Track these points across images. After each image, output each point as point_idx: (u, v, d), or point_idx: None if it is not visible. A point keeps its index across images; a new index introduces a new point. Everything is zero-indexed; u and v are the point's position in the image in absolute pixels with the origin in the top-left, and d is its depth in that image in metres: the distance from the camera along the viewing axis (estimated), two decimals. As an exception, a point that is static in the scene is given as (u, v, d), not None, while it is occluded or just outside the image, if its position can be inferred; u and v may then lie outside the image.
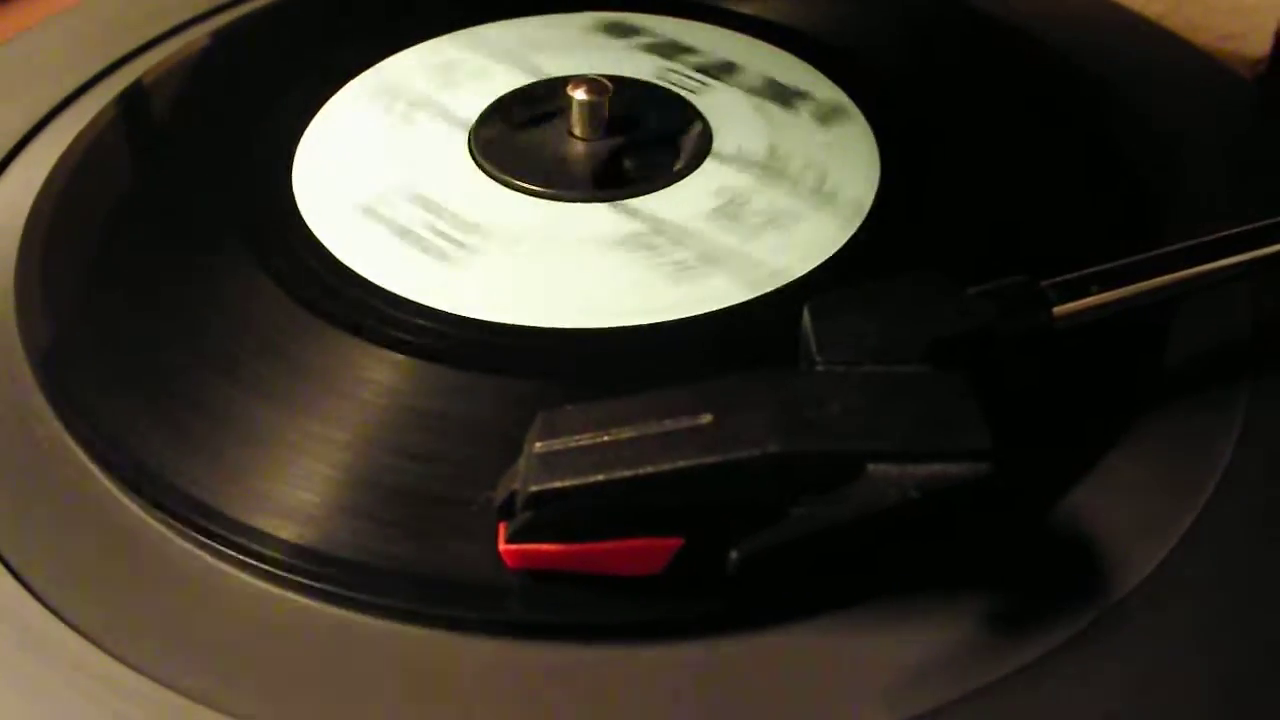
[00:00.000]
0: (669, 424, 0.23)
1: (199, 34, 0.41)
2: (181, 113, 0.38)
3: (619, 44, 0.39)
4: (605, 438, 0.23)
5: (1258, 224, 0.28)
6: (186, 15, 0.42)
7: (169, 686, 0.23)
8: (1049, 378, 0.27)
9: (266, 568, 0.25)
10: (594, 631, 0.24)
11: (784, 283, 0.30)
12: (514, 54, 0.38)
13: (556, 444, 0.23)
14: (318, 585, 0.24)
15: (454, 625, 0.24)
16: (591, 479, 0.22)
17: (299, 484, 0.26)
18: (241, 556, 0.25)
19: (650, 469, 0.22)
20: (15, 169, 0.36)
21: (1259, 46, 0.41)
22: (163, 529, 0.26)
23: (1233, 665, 0.23)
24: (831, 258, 0.30)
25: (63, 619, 0.24)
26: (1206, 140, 0.36)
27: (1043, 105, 0.37)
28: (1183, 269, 0.27)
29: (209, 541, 0.25)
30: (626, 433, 0.23)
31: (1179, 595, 0.24)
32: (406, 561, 0.24)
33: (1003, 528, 0.25)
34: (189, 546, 0.25)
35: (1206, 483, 0.26)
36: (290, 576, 0.24)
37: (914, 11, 0.41)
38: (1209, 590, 0.24)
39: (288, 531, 0.25)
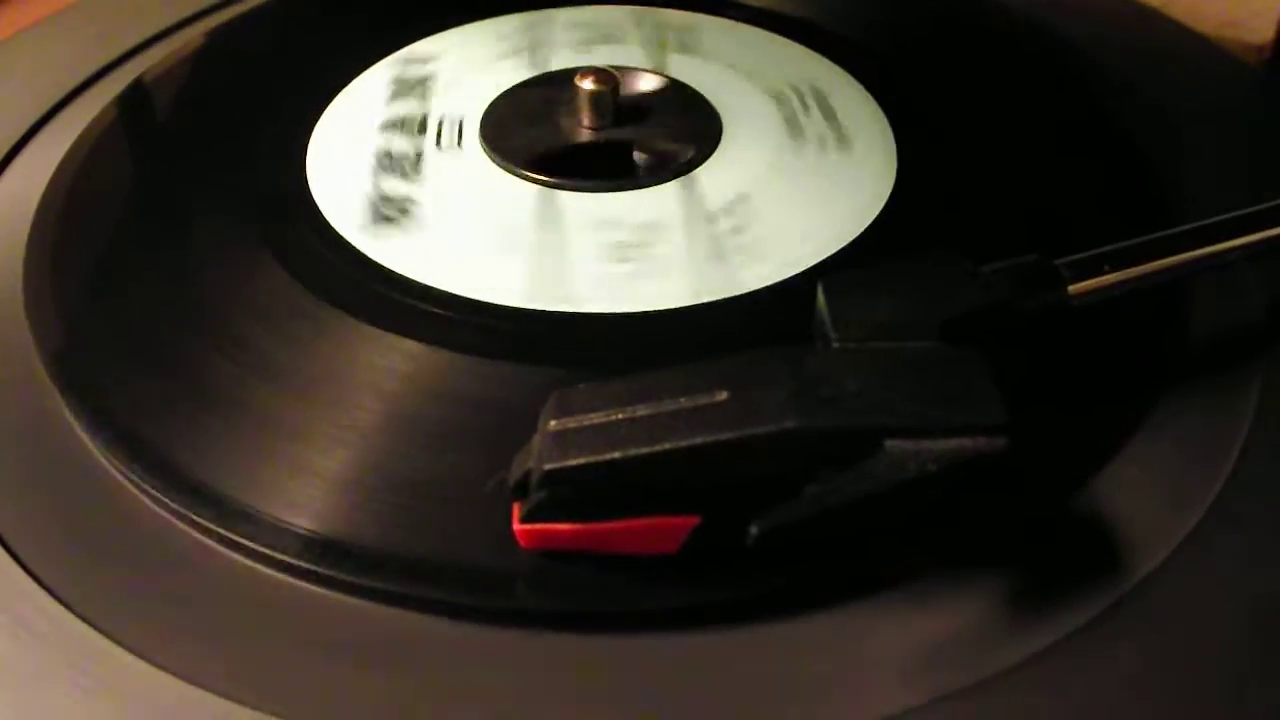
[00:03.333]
0: (684, 401, 0.23)
1: (209, 26, 0.41)
2: (192, 105, 0.38)
3: (632, 36, 0.39)
4: (620, 415, 0.23)
5: (1267, 204, 0.28)
6: (196, 7, 0.42)
7: (179, 675, 0.23)
8: (1065, 365, 0.27)
9: (279, 557, 0.24)
10: (609, 620, 0.24)
11: (804, 268, 0.30)
12: (526, 45, 0.38)
13: (571, 422, 0.23)
14: (328, 573, 0.24)
15: (466, 613, 0.24)
16: (606, 456, 0.22)
17: (313, 473, 0.26)
18: (254, 546, 0.25)
19: (666, 446, 0.22)
20: (23, 162, 0.36)
21: (1262, 33, 0.41)
22: (174, 519, 0.25)
23: (1263, 641, 0.23)
24: (851, 242, 0.30)
25: (71, 609, 0.24)
26: (1211, 126, 0.36)
27: (1047, 93, 0.37)
28: (1193, 249, 0.27)
29: (220, 530, 0.25)
30: (642, 410, 0.23)
31: (1199, 577, 0.24)
32: (419, 549, 0.24)
33: (1022, 511, 0.25)
34: (200, 536, 0.25)
35: (1223, 464, 0.26)
36: (302, 565, 0.24)
37: (919, 1, 0.42)
38: (1229, 571, 0.24)
39: (302, 520, 0.25)
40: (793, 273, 0.29)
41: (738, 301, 0.29)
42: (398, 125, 0.35)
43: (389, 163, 0.33)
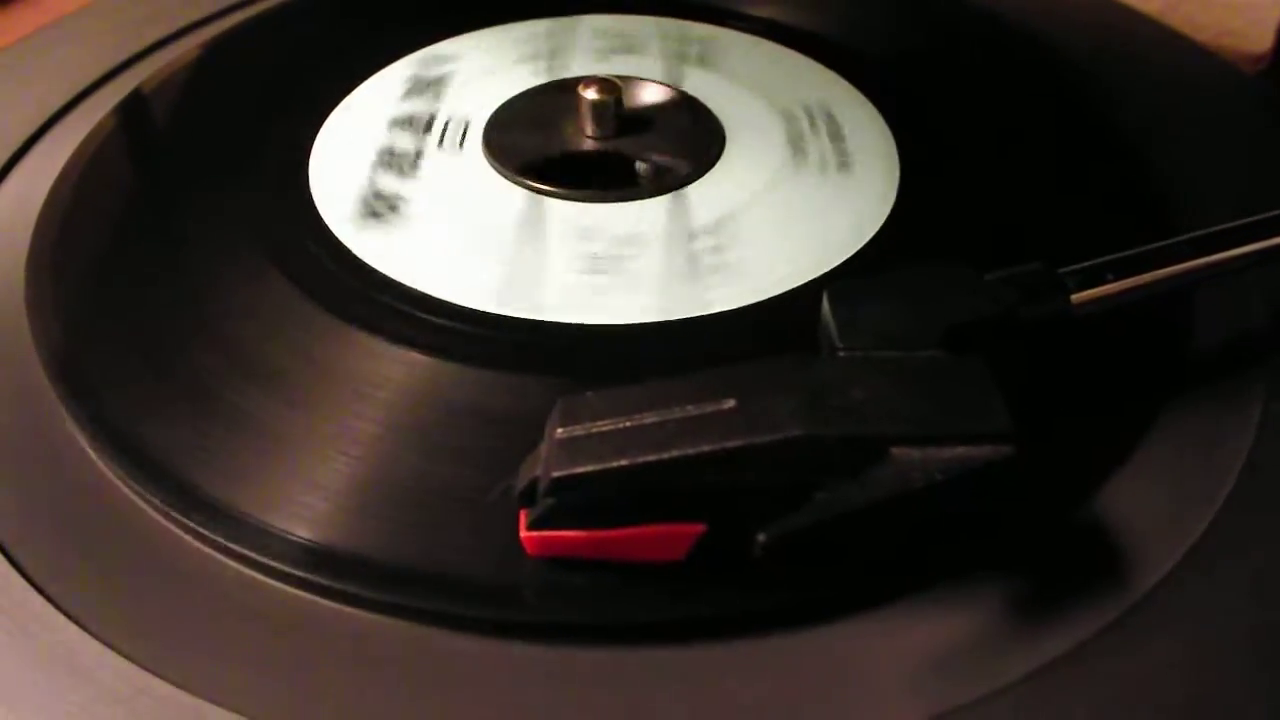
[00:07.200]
0: (691, 409, 0.23)
1: (209, 34, 0.41)
2: (193, 112, 0.38)
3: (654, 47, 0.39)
4: (627, 423, 0.23)
5: (1267, 214, 0.28)
6: (197, 16, 0.42)
7: (178, 685, 0.23)
8: (1069, 374, 0.27)
9: (278, 566, 0.24)
10: (614, 632, 0.24)
11: (807, 279, 0.29)
12: (546, 51, 0.38)
13: (578, 430, 0.23)
14: (330, 584, 0.24)
15: (469, 624, 0.24)
16: (614, 464, 0.22)
17: (312, 482, 0.26)
18: (253, 555, 0.25)
19: (673, 454, 0.22)
20: (25, 169, 0.36)
21: (1260, 43, 0.41)
22: (173, 527, 0.25)
23: (1269, 652, 0.23)
24: (855, 254, 0.30)
25: (70, 617, 0.24)
26: (1211, 135, 0.36)
27: (1047, 103, 0.37)
28: (1195, 258, 0.27)
29: (220, 540, 0.25)
30: (649, 418, 0.23)
31: (1204, 589, 0.24)
32: (421, 561, 0.24)
33: (1029, 520, 0.25)
34: (200, 545, 0.25)
35: (1228, 474, 0.26)
36: (303, 575, 0.24)
37: (917, 11, 0.42)
38: (1235, 583, 0.24)
39: (301, 530, 0.25)
40: (761, 297, 0.29)
41: (740, 313, 0.29)
42: (406, 123, 0.35)
43: (390, 159, 0.34)
